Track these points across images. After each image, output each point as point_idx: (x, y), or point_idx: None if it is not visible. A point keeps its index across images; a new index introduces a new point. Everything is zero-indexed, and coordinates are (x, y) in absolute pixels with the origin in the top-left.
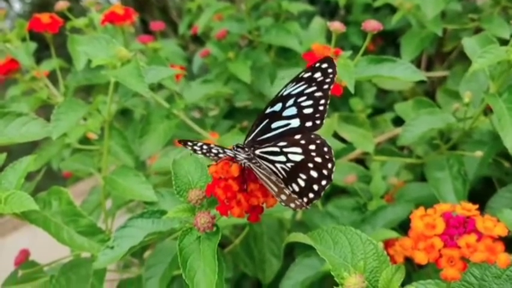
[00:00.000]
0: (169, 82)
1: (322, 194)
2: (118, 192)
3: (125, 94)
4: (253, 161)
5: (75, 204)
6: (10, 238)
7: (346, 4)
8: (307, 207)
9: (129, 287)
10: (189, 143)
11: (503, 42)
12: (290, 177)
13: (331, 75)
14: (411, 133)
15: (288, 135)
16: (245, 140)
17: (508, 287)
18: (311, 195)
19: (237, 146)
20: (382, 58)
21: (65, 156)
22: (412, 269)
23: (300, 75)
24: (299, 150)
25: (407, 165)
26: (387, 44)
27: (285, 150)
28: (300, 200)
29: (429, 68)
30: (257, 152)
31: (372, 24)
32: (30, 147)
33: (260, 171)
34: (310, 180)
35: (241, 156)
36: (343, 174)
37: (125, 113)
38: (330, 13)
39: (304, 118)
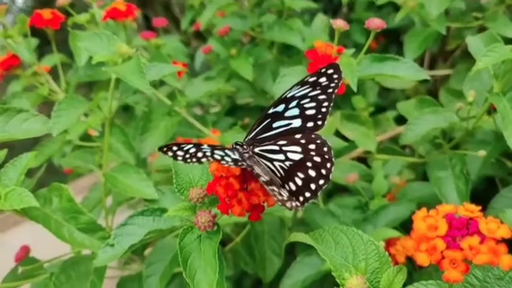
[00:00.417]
0: (171, 79)
1: (318, 193)
2: (118, 189)
3: (126, 91)
4: (252, 159)
5: (76, 201)
6: (11, 233)
7: (349, 1)
8: (302, 207)
9: (129, 285)
10: (174, 148)
11: (508, 41)
12: (288, 175)
13: (336, 81)
14: (414, 132)
15: (288, 134)
16: (245, 137)
17: None
18: (307, 194)
19: (236, 144)
20: (385, 57)
21: (66, 152)
22: (413, 269)
23: (306, 79)
24: (298, 149)
25: (410, 164)
26: (390, 42)
27: (284, 148)
28: (295, 202)
29: (432, 66)
30: (256, 149)
31: (375, 23)
32: (31, 143)
33: (257, 169)
34: (307, 179)
35: (229, 158)
36: (345, 172)
37: (126, 109)
38: (333, 10)
39: (306, 118)
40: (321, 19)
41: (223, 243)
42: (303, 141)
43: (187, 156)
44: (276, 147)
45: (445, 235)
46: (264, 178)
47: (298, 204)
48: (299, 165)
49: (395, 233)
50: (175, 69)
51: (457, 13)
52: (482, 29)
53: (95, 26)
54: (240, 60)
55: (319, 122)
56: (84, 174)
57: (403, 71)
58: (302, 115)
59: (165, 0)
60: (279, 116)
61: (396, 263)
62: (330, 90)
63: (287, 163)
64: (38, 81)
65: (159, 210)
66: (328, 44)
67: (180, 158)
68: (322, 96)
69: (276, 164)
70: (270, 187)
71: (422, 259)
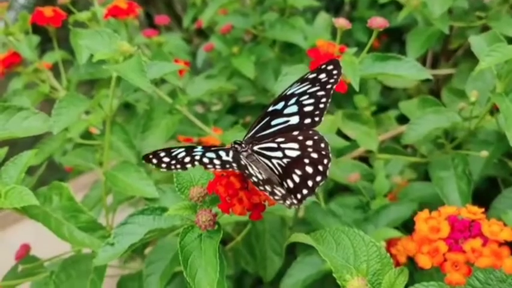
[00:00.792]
0: (172, 77)
1: (316, 190)
2: (119, 188)
3: (127, 89)
4: (251, 158)
5: (76, 200)
6: (11, 231)
7: (352, 0)
8: (299, 204)
9: (129, 283)
10: (162, 154)
11: (511, 40)
12: (286, 173)
13: (335, 76)
14: (416, 132)
15: (286, 131)
16: (245, 136)
17: None
18: (305, 191)
19: (235, 143)
20: (387, 56)
21: (67, 150)
22: (414, 269)
23: (305, 76)
24: (296, 146)
25: (411, 164)
26: (392, 40)
27: (282, 146)
28: (293, 200)
29: (434, 65)
30: (255, 148)
31: (378, 21)
32: (33, 141)
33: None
34: (305, 176)
35: (218, 161)
36: (347, 172)
37: (128, 107)
38: (335, 8)
39: (303, 115)
40: (323, 17)
41: (224, 241)
42: (300, 137)
43: (173, 162)
44: (274, 145)
45: (448, 237)
46: (256, 178)
47: (295, 201)
48: (296, 162)
49: (396, 233)
50: (177, 67)
51: (460, 12)
52: (485, 29)
53: (96, 23)
54: (241, 58)
55: (317, 119)
56: (85, 171)
57: (406, 71)
58: (300, 112)
59: None
60: (278, 113)
61: (397, 263)
62: (329, 86)
63: (285, 160)
64: (39, 78)
65: (159, 209)
66: (330, 43)
67: (164, 166)
68: (321, 93)
69: (274, 161)
70: (261, 187)
71: (424, 261)
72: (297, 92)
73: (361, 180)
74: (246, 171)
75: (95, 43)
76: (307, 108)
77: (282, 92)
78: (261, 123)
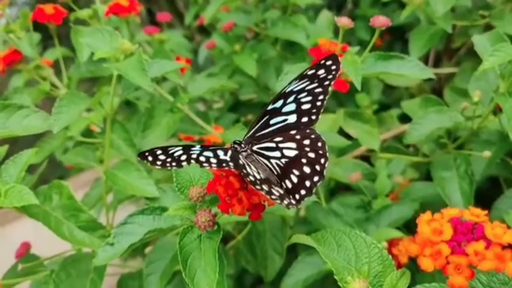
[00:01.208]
0: (173, 76)
1: (313, 190)
2: (119, 187)
3: (128, 87)
4: (250, 158)
5: (76, 199)
6: (11, 228)
7: None
8: (298, 205)
9: (129, 282)
10: (158, 152)
11: None
12: (284, 173)
13: (333, 72)
14: (418, 131)
15: (284, 130)
16: (245, 135)
17: None
18: (303, 192)
19: (235, 143)
20: (389, 55)
21: (68, 148)
22: (416, 270)
23: (304, 73)
24: (294, 145)
25: (413, 163)
26: (395, 39)
27: (280, 145)
28: (291, 200)
29: (437, 64)
30: (254, 147)
31: (381, 20)
32: (34, 139)
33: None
34: (302, 177)
35: (214, 160)
36: (348, 171)
37: (129, 104)
38: (338, 6)
39: (301, 114)
40: (325, 15)
41: (224, 240)
42: (298, 137)
43: (168, 160)
44: (273, 145)
45: (450, 240)
46: (253, 177)
47: (294, 202)
48: (294, 162)
49: (398, 233)
50: (178, 66)
51: (463, 11)
52: (488, 27)
53: (98, 21)
54: (243, 56)
55: (313, 117)
56: (86, 168)
57: (408, 70)
58: (298, 110)
59: None
60: (277, 112)
61: (399, 263)
62: (327, 83)
63: (283, 160)
64: (40, 75)
65: (159, 209)
66: (332, 42)
67: (159, 163)
68: (319, 90)
69: (273, 161)
70: (258, 186)
71: (427, 264)
72: (295, 90)
73: (362, 179)
74: (243, 171)
75: (96, 41)
76: (305, 106)
77: (281, 90)
78: (260, 122)
